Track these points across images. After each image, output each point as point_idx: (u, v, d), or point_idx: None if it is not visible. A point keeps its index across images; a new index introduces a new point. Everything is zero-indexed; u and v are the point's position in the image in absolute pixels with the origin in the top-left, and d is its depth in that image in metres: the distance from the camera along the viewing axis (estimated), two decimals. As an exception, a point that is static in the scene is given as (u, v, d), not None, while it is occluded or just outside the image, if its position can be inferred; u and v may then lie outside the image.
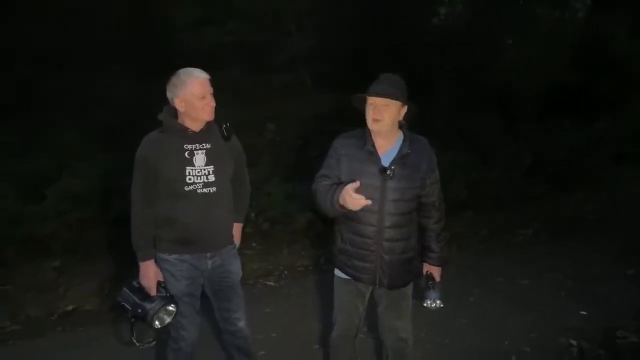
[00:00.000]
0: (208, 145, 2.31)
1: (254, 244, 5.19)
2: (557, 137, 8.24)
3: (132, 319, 2.30)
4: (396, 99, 2.16)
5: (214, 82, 2.28)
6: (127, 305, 2.28)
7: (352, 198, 1.97)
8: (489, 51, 8.45)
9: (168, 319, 2.30)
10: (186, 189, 2.25)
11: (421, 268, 2.47)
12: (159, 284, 2.31)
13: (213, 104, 2.27)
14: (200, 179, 2.27)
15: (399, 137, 2.27)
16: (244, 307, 2.57)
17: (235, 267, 2.51)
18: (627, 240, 5.12)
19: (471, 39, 8.47)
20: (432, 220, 2.36)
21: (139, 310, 2.25)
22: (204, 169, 2.28)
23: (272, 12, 8.31)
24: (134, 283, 2.33)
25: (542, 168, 7.55)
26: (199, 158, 2.27)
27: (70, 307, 4.00)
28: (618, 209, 6.52)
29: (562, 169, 7.62)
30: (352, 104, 2.27)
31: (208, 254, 2.37)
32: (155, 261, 2.32)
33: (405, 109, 2.23)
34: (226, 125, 2.38)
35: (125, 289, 2.32)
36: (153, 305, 2.24)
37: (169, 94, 2.25)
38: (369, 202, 2.00)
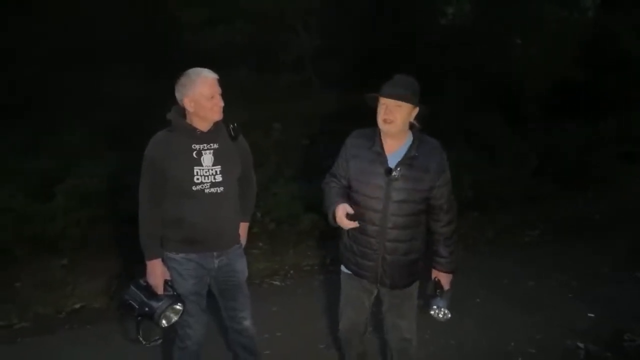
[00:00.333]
0: (216, 145, 2.32)
1: (260, 244, 5.20)
2: (563, 137, 8.19)
3: (139, 318, 2.32)
4: (408, 101, 2.16)
5: (221, 82, 2.30)
6: (134, 304, 2.30)
7: (342, 220, 2.15)
8: (495, 51, 8.42)
9: (175, 318, 2.31)
10: (194, 188, 2.26)
11: (429, 273, 2.43)
12: (166, 282, 2.33)
13: (222, 104, 2.29)
14: (208, 179, 2.28)
15: (408, 138, 2.26)
16: (250, 306, 2.59)
17: (241, 266, 2.52)
18: (635, 241, 5.09)
19: (478, 38, 8.45)
20: (440, 223, 2.31)
21: (146, 309, 2.27)
22: (212, 169, 2.29)
23: (278, 12, 8.32)
24: (141, 281, 2.34)
25: (549, 168, 7.51)
26: (207, 158, 2.29)
27: (78, 305, 4.03)
28: (625, 210, 6.48)
29: (568, 169, 7.58)
30: (366, 101, 2.27)
31: (215, 253, 2.39)
32: (163, 260, 2.34)
33: (416, 110, 2.22)
34: (234, 125, 2.39)
35: (132, 287, 2.34)
36: (160, 304, 2.26)
37: (177, 94, 2.27)
38: (356, 224, 2.16)
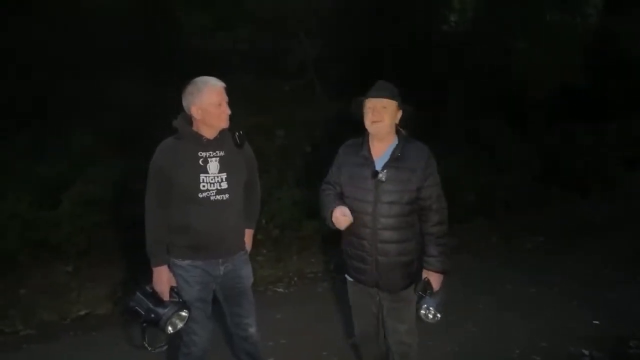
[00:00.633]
0: (222, 153, 2.35)
1: (264, 251, 5.22)
2: (568, 142, 8.20)
3: (144, 324, 2.33)
4: (393, 99, 2.31)
5: (227, 90, 2.33)
6: (140, 310, 2.31)
7: (338, 219, 2.27)
8: (498, 55, 8.44)
9: (180, 324, 2.32)
10: (200, 195, 2.28)
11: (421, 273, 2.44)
12: (171, 289, 2.34)
13: (228, 111, 2.32)
14: (214, 186, 2.30)
15: (394, 141, 2.37)
16: (255, 313, 2.59)
17: (247, 272, 2.54)
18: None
19: (481, 43, 8.46)
20: (429, 223, 2.34)
21: (152, 315, 2.28)
22: (218, 176, 2.31)
23: (282, 18, 8.36)
24: (147, 288, 2.35)
25: (554, 173, 7.51)
26: (213, 165, 2.31)
27: (83, 312, 4.04)
28: (631, 215, 6.46)
29: (573, 174, 7.58)
30: (352, 112, 2.41)
31: (220, 260, 2.40)
32: (168, 267, 2.35)
33: (400, 113, 2.35)
34: (239, 132, 2.42)
35: (138, 294, 2.35)
36: (166, 310, 2.27)
37: (184, 102, 2.30)
38: (350, 219, 2.27)
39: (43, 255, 4.83)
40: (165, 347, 2.48)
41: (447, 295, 2.39)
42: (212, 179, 2.30)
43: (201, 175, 2.28)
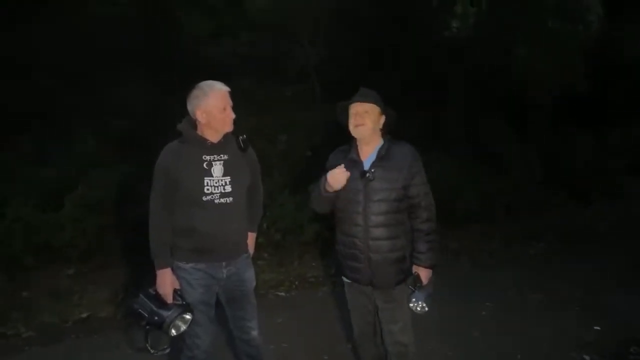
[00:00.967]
0: (225, 157, 2.37)
1: (265, 255, 5.23)
2: (570, 147, 8.20)
3: (147, 326, 2.33)
4: (375, 103, 2.44)
5: (231, 94, 2.36)
6: (143, 313, 2.31)
7: (332, 175, 2.33)
8: (499, 60, 8.46)
9: (184, 327, 2.33)
10: (204, 199, 2.30)
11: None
12: (175, 292, 2.34)
13: (233, 116, 2.35)
14: (218, 190, 2.32)
15: (380, 143, 2.50)
16: (257, 316, 2.60)
17: (249, 276, 2.55)
18: (641, 253, 5.07)
19: (483, 49, 8.49)
20: (419, 220, 2.45)
21: (156, 318, 2.28)
22: (222, 180, 2.33)
23: (284, 24, 8.41)
24: (151, 290, 2.36)
25: (555, 179, 7.51)
26: (217, 169, 2.33)
27: (84, 314, 4.05)
28: (633, 221, 6.46)
29: (575, 180, 7.58)
30: (338, 119, 2.55)
31: (224, 263, 2.41)
32: (172, 269, 2.36)
33: (383, 118, 2.48)
34: (243, 136, 2.45)
35: (142, 296, 2.35)
36: (170, 313, 2.28)
37: (189, 106, 2.32)
38: (347, 173, 2.33)
39: (45, 258, 4.84)
40: (167, 350, 2.48)
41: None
42: (216, 182, 2.32)
43: (205, 178, 2.30)
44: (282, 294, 4.57)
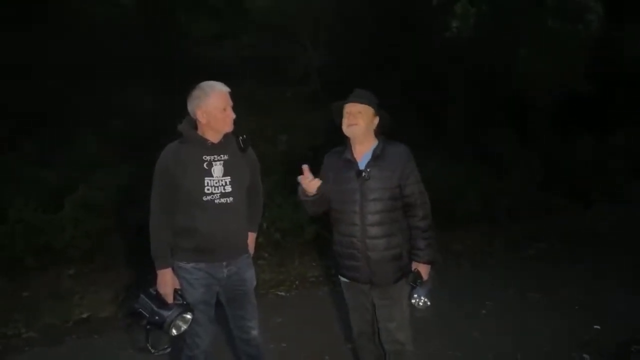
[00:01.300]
0: (226, 157, 2.38)
1: (265, 254, 5.24)
2: (572, 150, 8.20)
3: (148, 326, 2.33)
4: (368, 104, 2.47)
5: (232, 95, 2.37)
6: (144, 313, 2.31)
7: (304, 183, 2.33)
8: (501, 63, 8.47)
9: (184, 327, 2.33)
10: (204, 199, 2.31)
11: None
12: (175, 291, 2.35)
13: (233, 116, 2.36)
14: (218, 190, 2.33)
15: (374, 143, 2.52)
16: (257, 316, 2.61)
17: (250, 275, 2.55)
18: (641, 254, 5.08)
19: (484, 51, 8.50)
20: (416, 218, 2.48)
21: (156, 318, 2.29)
22: (222, 180, 2.34)
23: (285, 25, 8.43)
24: (151, 290, 2.36)
25: (557, 181, 7.51)
26: (217, 169, 2.34)
27: (85, 315, 4.06)
28: (634, 224, 6.46)
29: (576, 181, 7.58)
30: (333, 117, 2.56)
31: (224, 263, 2.42)
32: (172, 269, 2.36)
33: (377, 119, 2.50)
34: (243, 137, 2.46)
35: (142, 296, 2.35)
36: (170, 313, 2.28)
37: (190, 106, 2.33)
38: (318, 181, 2.33)
39: (46, 258, 4.85)
40: (168, 350, 2.49)
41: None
42: (216, 183, 2.33)
43: (206, 178, 2.31)
44: (282, 293, 4.57)
